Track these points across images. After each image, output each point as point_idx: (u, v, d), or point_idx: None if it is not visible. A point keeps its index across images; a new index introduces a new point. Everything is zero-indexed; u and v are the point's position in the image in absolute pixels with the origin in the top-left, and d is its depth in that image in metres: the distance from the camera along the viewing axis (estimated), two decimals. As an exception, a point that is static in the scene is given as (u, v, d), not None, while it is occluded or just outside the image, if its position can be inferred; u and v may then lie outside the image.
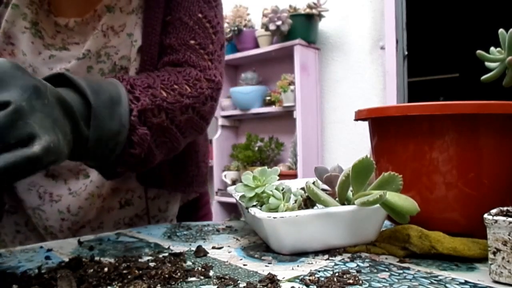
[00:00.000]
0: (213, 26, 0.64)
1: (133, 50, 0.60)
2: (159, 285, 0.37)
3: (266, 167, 0.52)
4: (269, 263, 0.44)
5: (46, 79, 0.42)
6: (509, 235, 0.34)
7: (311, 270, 0.41)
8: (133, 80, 0.51)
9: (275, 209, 0.48)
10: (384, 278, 0.38)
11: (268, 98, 2.62)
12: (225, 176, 2.84)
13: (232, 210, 2.94)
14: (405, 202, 0.44)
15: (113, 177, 0.53)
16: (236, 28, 2.60)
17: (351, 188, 0.48)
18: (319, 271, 0.41)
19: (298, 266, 0.43)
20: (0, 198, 0.60)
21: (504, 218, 0.35)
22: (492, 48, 0.54)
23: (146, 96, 0.50)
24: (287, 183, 0.57)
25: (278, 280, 0.38)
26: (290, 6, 2.43)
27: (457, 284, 0.36)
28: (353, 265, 0.43)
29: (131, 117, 0.48)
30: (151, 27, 0.60)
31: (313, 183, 0.50)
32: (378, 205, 0.44)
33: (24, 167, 0.32)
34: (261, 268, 0.42)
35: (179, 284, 0.38)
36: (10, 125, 0.32)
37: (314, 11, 2.39)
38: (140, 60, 0.60)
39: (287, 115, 2.56)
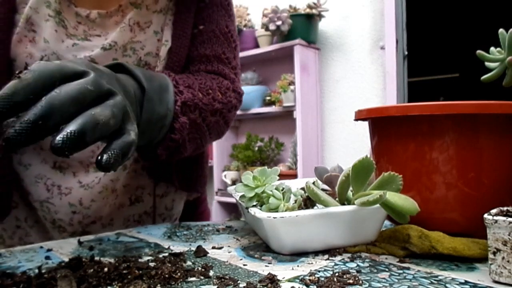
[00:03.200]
0: (234, 40, 0.71)
1: (164, 49, 0.63)
2: (159, 285, 0.37)
3: (266, 167, 0.52)
4: (269, 263, 0.44)
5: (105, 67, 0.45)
6: (509, 235, 0.34)
7: (311, 270, 0.41)
8: (177, 77, 0.57)
9: (275, 209, 0.48)
10: (384, 278, 0.38)
11: (268, 98, 2.62)
12: (225, 176, 2.84)
13: (232, 210, 2.94)
14: (405, 202, 0.44)
15: (151, 160, 0.57)
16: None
17: (351, 188, 0.48)
18: (319, 271, 0.41)
19: (298, 266, 0.43)
20: (9, 192, 0.59)
21: (504, 218, 0.35)
22: (492, 48, 0.54)
23: (187, 92, 0.57)
24: (287, 183, 0.57)
25: (278, 280, 0.38)
26: (290, 6, 2.43)
27: (457, 284, 0.36)
28: (353, 265, 0.43)
29: (176, 106, 0.54)
30: (182, 30, 0.64)
31: (313, 183, 0.50)
32: (378, 205, 0.44)
33: (128, 152, 0.36)
34: (261, 268, 0.42)
35: (179, 284, 0.38)
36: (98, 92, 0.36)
37: (314, 11, 2.39)
38: (168, 59, 0.64)
39: (287, 115, 2.57)
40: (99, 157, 0.34)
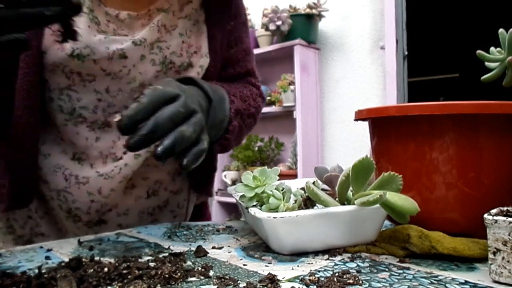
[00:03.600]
0: (252, 52, 0.84)
1: (202, 60, 0.71)
2: (159, 285, 0.37)
3: (266, 167, 0.52)
4: (269, 263, 0.44)
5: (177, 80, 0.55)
6: (509, 235, 0.34)
7: (311, 270, 0.41)
8: (227, 89, 0.69)
9: (275, 209, 0.48)
10: (384, 278, 0.38)
11: (268, 98, 2.62)
12: (225, 176, 2.84)
13: (232, 210, 2.94)
14: (405, 202, 0.44)
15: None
16: (236, 28, 2.60)
17: (351, 188, 0.48)
18: (319, 271, 0.41)
19: (298, 266, 0.43)
20: (34, 179, 0.63)
21: (504, 218, 0.35)
22: (492, 48, 0.54)
23: (239, 103, 0.69)
24: (287, 183, 0.57)
25: (278, 280, 0.38)
26: (290, 6, 2.43)
27: (457, 284, 0.36)
28: (353, 265, 0.43)
29: (231, 112, 0.66)
30: (215, 39, 0.73)
31: (313, 183, 0.50)
32: (378, 205, 0.44)
33: (200, 157, 0.49)
34: (261, 268, 0.42)
35: (179, 284, 0.38)
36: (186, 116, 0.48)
37: (314, 11, 2.39)
38: (206, 71, 0.73)
39: (287, 115, 2.57)
40: (181, 162, 0.47)
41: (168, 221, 0.75)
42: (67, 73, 0.61)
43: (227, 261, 0.45)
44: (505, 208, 0.38)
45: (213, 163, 0.82)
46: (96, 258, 0.45)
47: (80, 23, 0.59)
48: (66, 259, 0.44)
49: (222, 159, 2.91)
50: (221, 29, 0.74)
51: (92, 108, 0.63)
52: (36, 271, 0.40)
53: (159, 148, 0.44)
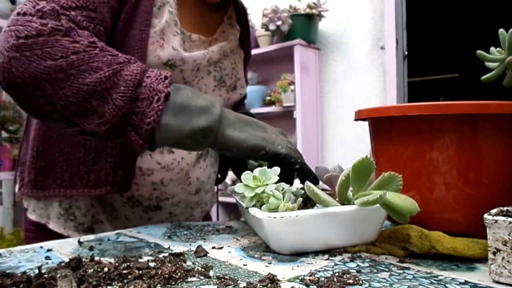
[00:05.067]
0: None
1: (242, 89, 0.87)
2: (159, 285, 0.37)
3: (266, 167, 0.52)
4: (269, 263, 0.44)
5: None
6: (509, 235, 0.34)
7: (311, 270, 0.41)
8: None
9: (275, 209, 0.48)
10: (384, 278, 0.38)
11: (268, 98, 2.62)
12: (225, 176, 2.83)
13: (232, 210, 2.94)
14: (405, 202, 0.44)
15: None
16: (236, 28, 2.60)
17: (351, 188, 0.48)
18: (319, 271, 0.41)
19: (298, 266, 0.43)
20: (133, 167, 0.69)
21: (504, 218, 0.35)
22: (492, 48, 0.54)
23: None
24: (287, 183, 0.57)
25: (278, 280, 0.38)
26: (290, 6, 2.42)
27: (457, 284, 0.36)
28: (353, 265, 0.43)
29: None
30: (246, 74, 0.92)
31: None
32: (378, 205, 0.44)
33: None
34: (261, 268, 0.42)
35: (179, 284, 0.38)
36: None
37: (314, 11, 2.39)
38: (244, 93, 0.89)
39: (287, 115, 2.56)
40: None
41: (199, 216, 0.85)
42: None
43: (227, 261, 0.45)
44: (505, 208, 0.38)
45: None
46: (96, 258, 0.45)
47: (175, 40, 0.70)
48: (66, 259, 0.44)
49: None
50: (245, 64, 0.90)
51: None
52: (36, 271, 0.40)
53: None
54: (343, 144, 2.51)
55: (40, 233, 0.75)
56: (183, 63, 0.71)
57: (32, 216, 0.76)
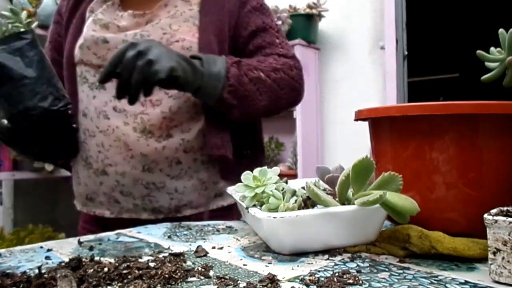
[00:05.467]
0: (272, 28, 0.89)
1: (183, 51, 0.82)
2: (159, 285, 0.37)
3: (266, 167, 0.52)
4: (269, 263, 0.44)
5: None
6: (509, 235, 0.34)
7: (311, 270, 0.41)
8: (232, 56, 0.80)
9: (275, 209, 0.48)
10: (384, 278, 0.38)
11: (268, 98, 2.62)
12: (225, 176, 2.83)
13: (232, 210, 2.93)
14: (405, 202, 0.44)
15: (229, 111, 0.78)
16: (236, 28, 2.60)
17: (351, 188, 0.48)
18: (319, 271, 0.41)
19: (298, 266, 0.43)
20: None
21: (504, 218, 0.35)
22: (492, 48, 0.54)
23: (240, 60, 0.79)
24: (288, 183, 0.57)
25: (278, 280, 0.38)
26: (290, 6, 2.42)
27: (457, 284, 0.36)
28: (353, 265, 0.43)
29: (227, 64, 0.76)
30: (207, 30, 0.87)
31: (315, 183, 0.50)
32: (378, 205, 0.44)
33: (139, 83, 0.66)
34: (261, 268, 0.42)
35: (179, 284, 0.38)
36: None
37: (314, 11, 2.38)
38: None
39: (287, 115, 2.56)
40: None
41: (168, 203, 0.81)
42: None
43: (227, 261, 0.45)
44: (505, 208, 0.38)
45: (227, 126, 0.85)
46: (96, 258, 0.45)
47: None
48: (66, 259, 0.44)
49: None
50: (216, 19, 0.85)
51: (93, 72, 0.83)
52: (36, 271, 0.40)
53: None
54: (343, 144, 2.51)
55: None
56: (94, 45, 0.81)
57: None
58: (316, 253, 0.47)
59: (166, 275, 0.38)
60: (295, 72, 0.87)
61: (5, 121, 0.62)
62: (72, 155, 0.85)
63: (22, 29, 0.61)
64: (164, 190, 0.80)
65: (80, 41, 0.83)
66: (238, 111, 0.79)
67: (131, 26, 0.83)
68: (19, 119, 0.60)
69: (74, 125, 0.74)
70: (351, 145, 2.46)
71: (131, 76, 0.65)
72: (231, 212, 0.86)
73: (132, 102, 0.67)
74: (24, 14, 0.61)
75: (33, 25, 0.62)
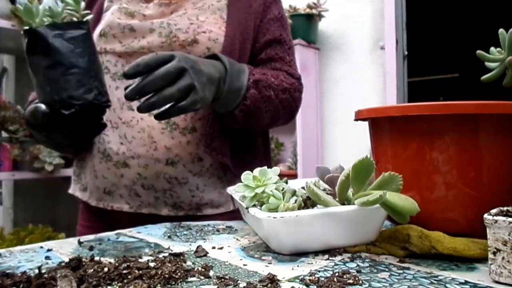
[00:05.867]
0: (287, 43, 0.90)
1: (210, 43, 0.82)
2: (159, 285, 0.37)
3: (266, 167, 0.52)
4: (269, 263, 0.44)
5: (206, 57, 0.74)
6: (509, 235, 0.34)
7: (311, 270, 0.41)
8: (252, 67, 0.80)
9: (275, 209, 0.48)
10: (384, 278, 0.38)
11: (268, 98, 2.62)
12: (225, 176, 2.83)
13: (232, 210, 2.93)
14: (405, 202, 0.44)
15: (233, 122, 0.78)
16: (236, 28, 2.60)
17: (351, 188, 0.48)
18: (319, 271, 0.41)
19: (298, 266, 0.43)
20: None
21: (504, 218, 0.35)
22: (492, 48, 0.54)
23: (260, 76, 0.78)
24: (288, 183, 0.57)
25: (278, 280, 0.38)
26: (290, 6, 2.42)
27: (457, 284, 0.36)
28: (353, 265, 0.43)
29: (249, 82, 0.75)
30: (233, 24, 0.85)
31: (315, 183, 0.50)
32: (378, 205, 0.44)
33: (177, 113, 0.64)
34: (261, 268, 0.42)
35: (179, 284, 0.38)
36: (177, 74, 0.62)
37: (314, 11, 2.38)
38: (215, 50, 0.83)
39: (287, 115, 2.56)
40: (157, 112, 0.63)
41: (189, 200, 0.80)
42: None
43: (227, 261, 0.45)
44: (505, 208, 0.38)
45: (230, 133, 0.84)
46: (96, 258, 0.45)
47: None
48: (66, 259, 0.44)
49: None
50: (244, 17, 0.86)
51: (114, 62, 0.82)
52: (36, 271, 0.40)
53: (144, 103, 0.60)
54: (343, 144, 2.51)
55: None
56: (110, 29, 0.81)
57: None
58: (316, 253, 0.47)
59: (166, 275, 0.38)
60: (298, 95, 0.89)
61: (42, 106, 0.61)
62: (86, 149, 0.84)
63: (79, 19, 0.61)
64: (187, 186, 0.79)
65: (101, 28, 0.82)
66: (241, 125, 0.80)
67: (157, 15, 0.82)
68: (60, 106, 0.59)
69: (103, 122, 0.72)
70: (351, 145, 2.46)
71: (163, 89, 0.61)
72: None
73: (143, 111, 0.62)
74: (83, 5, 0.61)
75: (89, 17, 0.61)
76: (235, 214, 0.81)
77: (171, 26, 0.79)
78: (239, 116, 0.76)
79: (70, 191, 0.90)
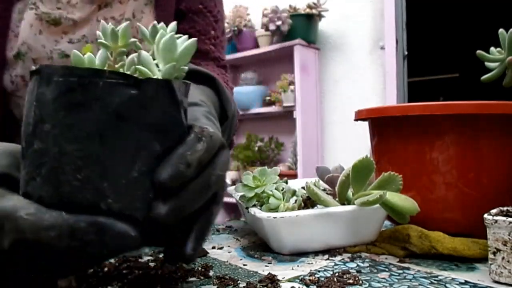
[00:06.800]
0: (213, 15, 0.73)
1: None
2: (159, 285, 0.37)
3: (266, 167, 0.52)
4: (269, 263, 0.44)
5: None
6: (509, 235, 0.34)
7: (311, 270, 0.41)
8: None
9: (275, 209, 0.48)
10: (384, 278, 0.38)
11: (268, 98, 2.62)
12: (225, 176, 2.83)
13: (232, 210, 2.94)
14: (405, 202, 0.44)
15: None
16: (236, 28, 2.60)
17: (351, 188, 0.48)
18: (319, 271, 0.41)
19: (298, 266, 0.43)
20: None
21: (504, 218, 0.35)
22: (492, 48, 0.54)
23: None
24: (288, 183, 0.57)
25: (278, 280, 0.38)
26: (290, 6, 2.43)
27: (457, 284, 0.36)
28: (353, 265, 0.43)
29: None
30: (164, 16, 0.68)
31: (315, 183, 0.50)
32: (378, 205, 0.44)
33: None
34: (261, 268, 0.42)
35: (179, 284, 0.38)
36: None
37: (314, 11, 2.39)
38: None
39: (287, 115, 2.56)
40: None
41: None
42: None
43: (227, 261, 0.45)
44: (505, 208, 0.38)
45: None
46: (96, 258, 0.45)
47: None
48: (66, 259, 0.44)
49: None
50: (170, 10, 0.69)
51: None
52: (36, 271, 0.40)
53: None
54: (343, 144, 2.51)
55: None
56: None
57: None
58: (316, 253, 0.47)
59: (166, 275, 0.38)
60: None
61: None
62: None
63: None
64: None
65: (13, 44, 0.60)
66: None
67: (86, 15, 0.63)
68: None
69: None
70: (351, 145, 2.46)
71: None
72: None
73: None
74: None
75: None
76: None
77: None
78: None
79: None
